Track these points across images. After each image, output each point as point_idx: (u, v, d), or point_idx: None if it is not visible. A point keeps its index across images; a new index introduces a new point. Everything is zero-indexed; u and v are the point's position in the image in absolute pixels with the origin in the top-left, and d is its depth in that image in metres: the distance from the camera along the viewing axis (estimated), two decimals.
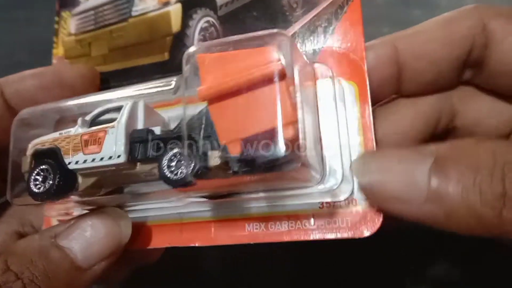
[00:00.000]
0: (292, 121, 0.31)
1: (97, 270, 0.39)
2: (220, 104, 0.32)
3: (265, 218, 0.41)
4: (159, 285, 0.60)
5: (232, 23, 0.47)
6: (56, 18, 0.54)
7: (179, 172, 0.35)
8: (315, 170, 0.35)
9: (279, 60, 0.31)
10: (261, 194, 0.40)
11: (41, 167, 0.38)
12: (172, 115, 0.42)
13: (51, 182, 0.38)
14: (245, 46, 0.33)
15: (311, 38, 0.43)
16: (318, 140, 0.37)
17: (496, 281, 0.49)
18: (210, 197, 0.40)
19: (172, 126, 0.40)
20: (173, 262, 0.54)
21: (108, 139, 0.37)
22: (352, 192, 0.39)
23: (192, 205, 0.42)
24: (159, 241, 0.43)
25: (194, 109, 0.35)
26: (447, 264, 0.53)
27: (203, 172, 0.34)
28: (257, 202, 0.41)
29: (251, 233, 0.41)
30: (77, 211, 0.45)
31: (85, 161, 0.37)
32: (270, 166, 0.32)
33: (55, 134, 0.40)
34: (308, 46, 0.43)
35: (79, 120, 0.39)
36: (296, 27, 0.44)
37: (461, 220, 0.31)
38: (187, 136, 0.34)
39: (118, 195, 0.41)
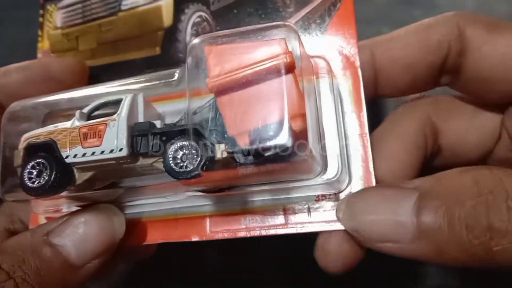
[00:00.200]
0: (300, 113, 0.31)
1: (91, 267, 0.38)
2: (229, 96, 0.32)
3: (262, 212, 0.41)
4: (160, 281, 0.60)
5: (225, 18, 0.47)
6: (41, 11, 0.52)
7: (184, 165, 0.34)
8: (317, 161, 0.36)
9: (289, 52, 0.31)
10: (259, 188, 0.40)
11: (36, 161, 0.37)
12: (168, 110, 0.42)
13: (47, 176, 0.37)
14: (252, 37, 0.33)
15: (305, 34, 0.44)
16: (319, 132, 0.37)
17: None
18: (207, 191, 0.40)
19: (171, 119, 0.40)
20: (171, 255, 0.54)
21: (109, 132, 0.36)
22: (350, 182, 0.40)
23: (188, 200, 0.42)
24: (154, 236, 0.43)
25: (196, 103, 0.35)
26: None
27: (210, 165, 0.34)
28: (254, 195, 0.41)
29: (247, 227, 0.41)
30: (66, 208, 0.44)
31: (84, 155, 0.37)
32: (278, 157, 0.32)
33: (50, 127, 0.39)
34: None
35: (77, 113, 0.38)
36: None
37: (451, 256, 0.31)
38: (193, 129, 0.34)
39: (113, 190, 0.41)
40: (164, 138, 0.36)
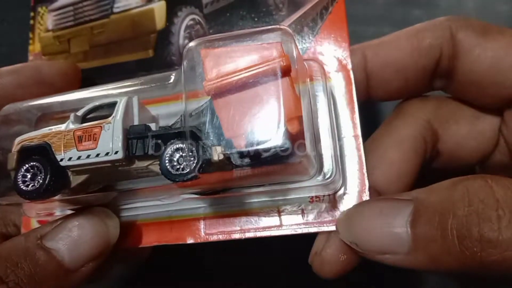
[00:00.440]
0: (296, 116, 0.32)
1: (85, 271, 0.38)
2: (225, 98, 0.32)
3: (256, 213, 0.41)
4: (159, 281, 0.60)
5: (218, 21, 0.47)
6: (32, 13, 0.52)
7: (181, 167, 0.35)
8: (312, 163, 0.36)
9: (286, 55, 0.32)
10: (253, 190, 0.40)
11: (30, 164, 0.37)
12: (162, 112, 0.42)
13: (41, 180, 0.36)
14: (248, 41, 0.33)
15: (298, 37, 0.44)
16: (315, 134, 0.38)
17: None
18: (202, 194, 0.40)
19: (167, 122, 0.40)
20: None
21: (104, 135, 0.36)
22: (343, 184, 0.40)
23: (183, 202, 0.42)
24: (149, 239, 0.43)
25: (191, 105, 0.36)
26: None
27: (206, 167, 0.34)
28: (248, 197, 0.41)
29: (242, 229, 0.41)
30: (59, 212, 0.44)
31: (79, 158, 0.36)
32: (274, 159, 0.32)
33: (44, 130, 0.39)
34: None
35: (72, 116, 0.38)
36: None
37: (447, 266, 0.32)
38: (190, 131, 0.34)
39: (107, 193, 0.41)
40: (159, 141, 0.36)
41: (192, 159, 0.34)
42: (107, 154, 0.36)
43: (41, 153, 0.37)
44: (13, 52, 0.51)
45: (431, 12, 0.44)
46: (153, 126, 0.38)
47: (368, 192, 0.40)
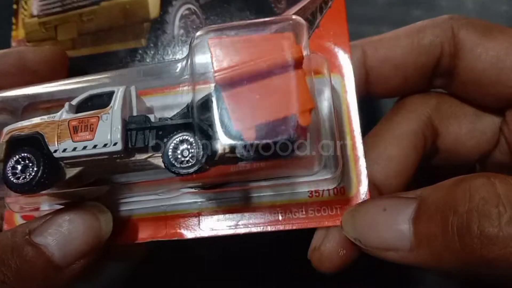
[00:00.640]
0: (310, 108, 0.31)
1: (76, 268, 0.36)
2: (235, 89, 0.31)
3: (256, 208, 0.40)
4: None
5: (215, 12, 0.46)
6: None
7: (185, 160, 0.33)
8: (320, 157, 0.36)
9: (298, 46, 0.31)
10: (253, 184, 0.40)
11: (21, 155, 0.35)
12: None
13: (33, 172, 0.34)
14: (258, 30, 0.33)
15: None
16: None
17: None
18: (202, 188, 0.39)
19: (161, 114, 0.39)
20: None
21: (101, 125, 0.35)
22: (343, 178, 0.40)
23: (181, 197, 0.41)
24: (143, 235, 0.41)
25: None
26: None
27: (212, 160, 0.33)
28: (248, 192, 0.40)
29: (241, 224, 0.40)
30: (45, 206, 0.42)
31: (74, 149, 0.35)
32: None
33: (36, 120, 0.36)
34: None
35: (66, 105, 0.36)
36: None
37: (449, 264, 0.31)
38: (196, 123, 0.33)
39: (100, 187, 0.39)
40: (160, 133, 0.35)
41: (198, 151, 0.33)
42: (105, 145, 0.34)
43: (33, 144, 0.35)
44: None
45: (431, 12, 0.45)
46: (151, 117, 0.36)
47: (367, 187, 0.40)
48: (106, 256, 0.40)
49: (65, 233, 0.36)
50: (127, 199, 0.41)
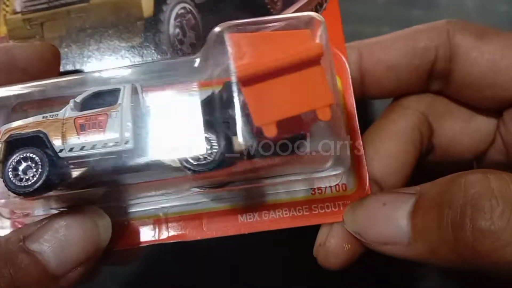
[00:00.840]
0: (330, 104, 0.31)
1: (72, 277, 0.34)
2: (257, 85, 0.31)
3: (259, 207, 0.40)
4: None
5: (211, 11, 0.45)
6: None
7: (202, 158, 0.33)
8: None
9: (319, 43, 0.31)
10: (258, 183, 0.40)
11: (23, 155, 0.33)
12: None
13: (37, 173, 0.33)
14: (277, 27, 0.33)
15: None
16: None
17: None
18: (209, 187, 0.39)
19: None
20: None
21: (111, 123, 0.33)
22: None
23: (183, 198, 0.40)
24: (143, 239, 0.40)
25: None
26: None
27: (227, 157, 0.33)
28: (253, 191, 0.40)
29: (244, 223, 0.40)
30: (38, 211, 0.40)
31: (82, 148, 0.33)
32: (303, 149, 0.32)
33: (37, 118, 0.34)
34: None
35: (71, 102, 0.34)
36: None
37: (445, 258, 0.32)
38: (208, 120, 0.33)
39: (103, 189, 0.37)
40: None
41: (213, 148, 0.33)
42: (116, 144, 0.33)
43: (35, 143, 0.34)
44: None
45: (431, 12, 0.45)
46: None
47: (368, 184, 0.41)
48: (104, 261, 0.38)
49: (61, 240, 0.34)
50: (127, 201, 0.40)
